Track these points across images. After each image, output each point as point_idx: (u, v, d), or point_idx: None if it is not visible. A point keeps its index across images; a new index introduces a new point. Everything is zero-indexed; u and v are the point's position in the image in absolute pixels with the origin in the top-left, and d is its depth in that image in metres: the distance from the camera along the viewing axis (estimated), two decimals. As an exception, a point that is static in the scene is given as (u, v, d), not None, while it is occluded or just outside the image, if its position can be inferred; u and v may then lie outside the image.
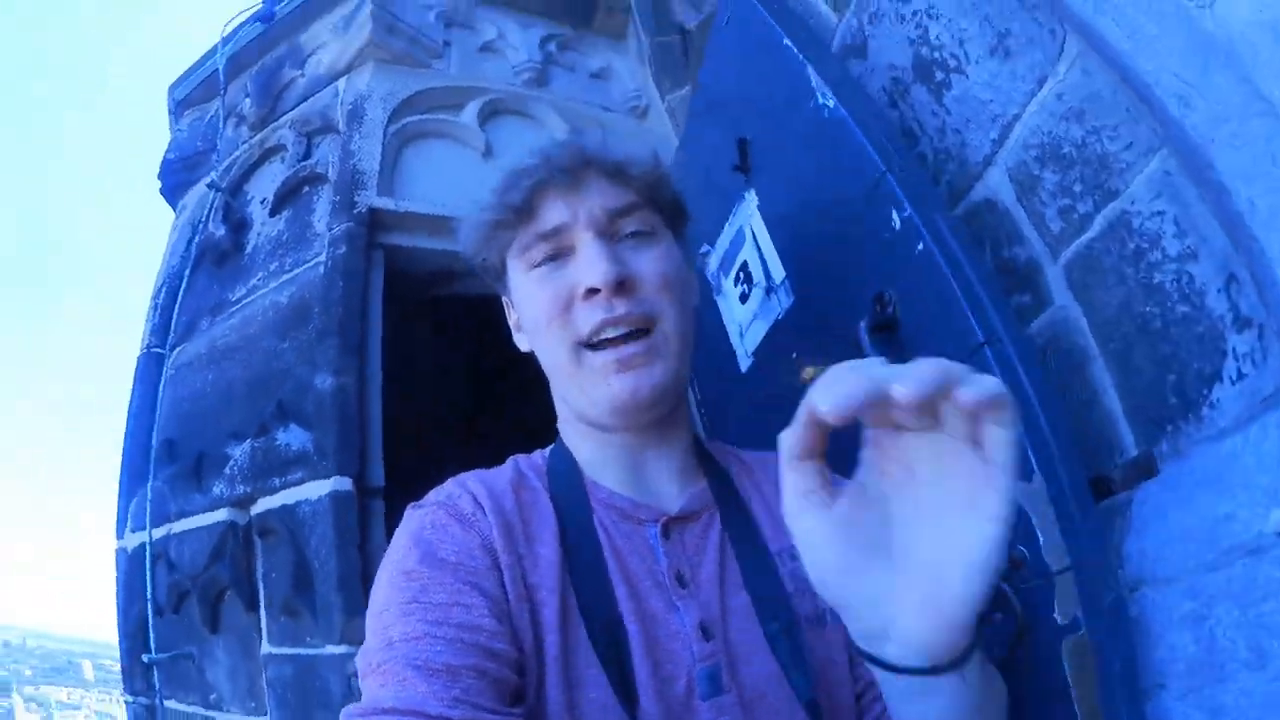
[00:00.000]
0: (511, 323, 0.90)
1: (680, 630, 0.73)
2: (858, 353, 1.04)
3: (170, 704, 2.08)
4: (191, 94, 3.03)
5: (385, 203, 1.93)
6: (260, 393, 1.93)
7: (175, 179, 2.90)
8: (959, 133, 1.12)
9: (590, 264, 0.76)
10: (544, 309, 0.78)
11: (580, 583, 0.74)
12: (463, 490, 0.79)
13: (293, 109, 2.43)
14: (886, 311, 1.04)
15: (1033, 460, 0.84)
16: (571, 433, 0.86)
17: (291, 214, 2.17)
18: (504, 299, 0.90)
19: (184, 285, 2.41)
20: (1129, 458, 0.93)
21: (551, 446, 0.88)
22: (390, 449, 1.80)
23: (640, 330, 0.76)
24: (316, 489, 1.70)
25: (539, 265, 0.80)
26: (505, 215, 0.80)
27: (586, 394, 0.78)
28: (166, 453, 2.20)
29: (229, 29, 2.86)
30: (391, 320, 1.90)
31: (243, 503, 1.89)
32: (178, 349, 2.36)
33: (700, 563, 0.78)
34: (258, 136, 2.48)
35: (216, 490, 1.96)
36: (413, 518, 0.79)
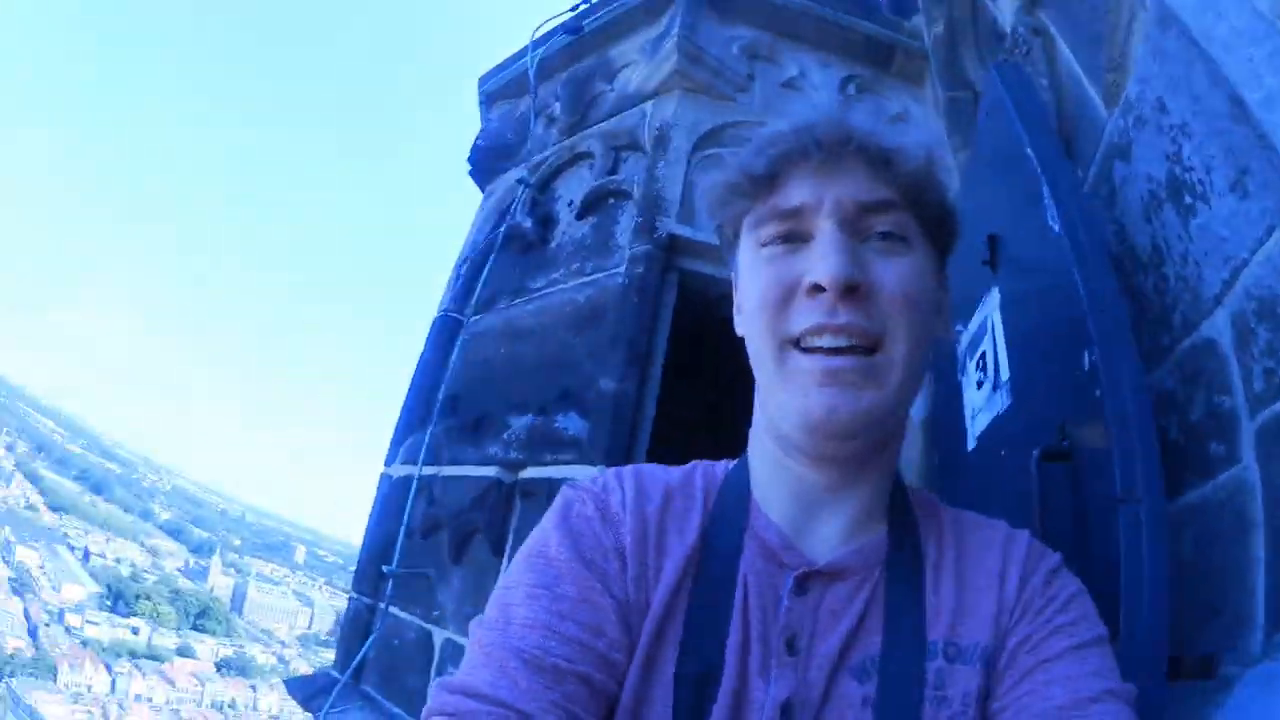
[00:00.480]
0: (735, 302, 0.80)
1: (761, 702, 0.65)
2: (1026, 478, 1.08)
3: (393, 609, 2.44)
4: (502, 89, 3.41)
5: (684, 230, 2.11)
6: (547, 376, 2.20)
7: (485, 165, 3.30)
8: (1198, 264, 1.06)
9: (823, 257, 0.66)
10: (762, 293, 0.70)
11: (694, 616, 0.69)
12: (617, 485, 0.76)
13: (602, 120, 2.69)
14: (1062, 444, 1.07)
15: (1120, 626, 0.84)
16: (757, 445, 0.77)
17: (596, 221, 2.42)
18: (731, 275, 0.80)
19: (488, 263, 2.76)
20: (1250, 638, 0.90)
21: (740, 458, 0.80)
22: (661, 452, 2.00)
23: (861, 348, 0.65)
24: (582, 472, 1.93)
25: (769, 245, 0.71)
26: (743, 182, 0.72)
27: (781, 401, 0.69)
28: (450, 407, 2.57)
29: (538, 34, 3.16)
30: (684, 336, 2.08)
31: (513, 466, 2.17)
32: (475, 318, 2.72)
33: (827, 632, 0.68)
34: (568, 141, 2.77)
35: (491, 450, 2.27)
36: (566, 497, 0.76)
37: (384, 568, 2.46)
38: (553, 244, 2.57)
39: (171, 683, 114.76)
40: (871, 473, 0.73)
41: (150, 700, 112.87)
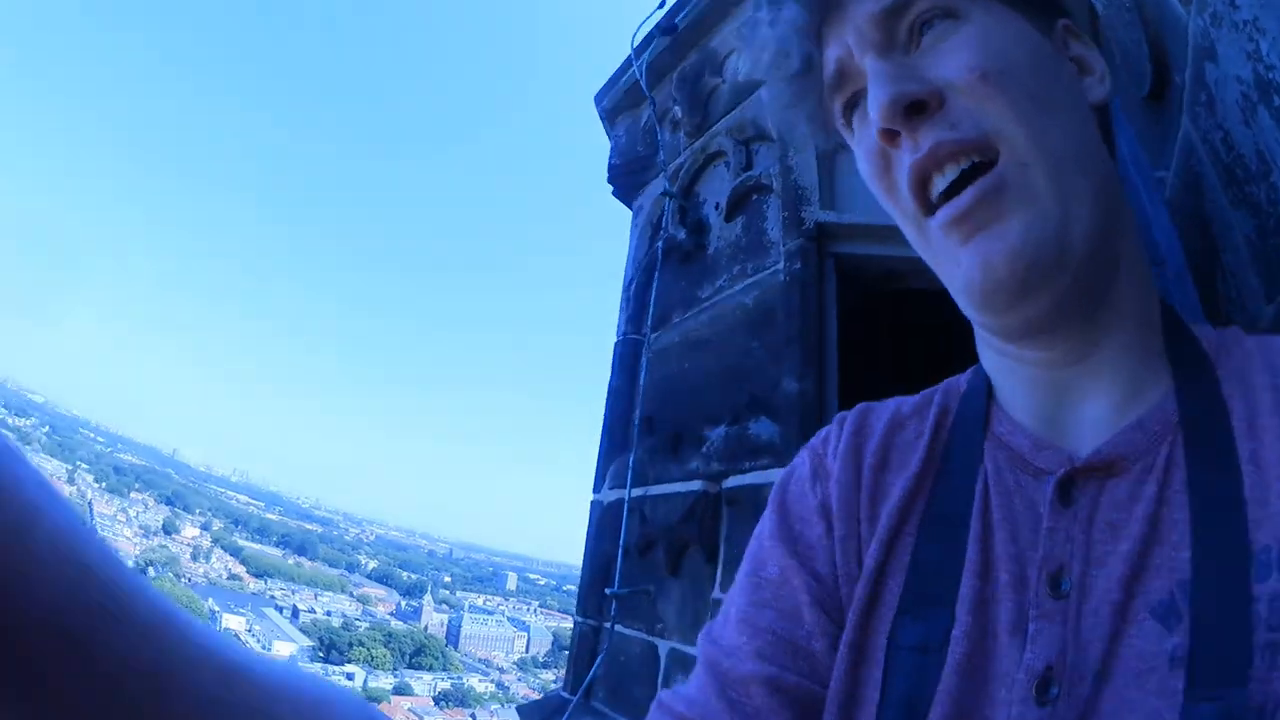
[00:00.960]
0: None
1: (1009, 673, 0.47)
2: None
3: (619, 628, 2.56)
4: (618, 102, 3.49)
5: (829, 216, 2.10)
6: (732, 384, 2.26)
7: (624, 181, 3.40)
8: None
9: (870, 99, 0.53)
10: (870, 182, 0.60)
11: (917, 569, 0.55)
12: (836, 429, 0.67)
13: (724, 116, 2.70)
14: None
15: None
16: (979, 345, 0.63)
17: (745, 220, 2.45)
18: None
19: (654, 280, 2.85)
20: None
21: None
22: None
23: (980, 165, 0.50)
24: (778, 474, 1.97)
25: (847, 125, 0.61)
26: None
27: (951, 285, 0.56)
28: (647, 428, 2.69)
29: (637, 39, 3.19)
30: (847, 321, 2.09)
31: (715, 477, 2.25)
32: (654, 336, 2.82)
33: (1106, 555, 0.48)
34: (698, 143, 2.81)
35: (692, 464, 2.36)
36: (792, 462, 0.71)
37: (606, 590, 2.60)
38: (710, 250, 2.62)
39: None
40: (1110, 318, 0.53)
41: None
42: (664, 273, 2.83)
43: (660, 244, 2.86)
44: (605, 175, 3.50)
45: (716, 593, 2.14)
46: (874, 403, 0.68)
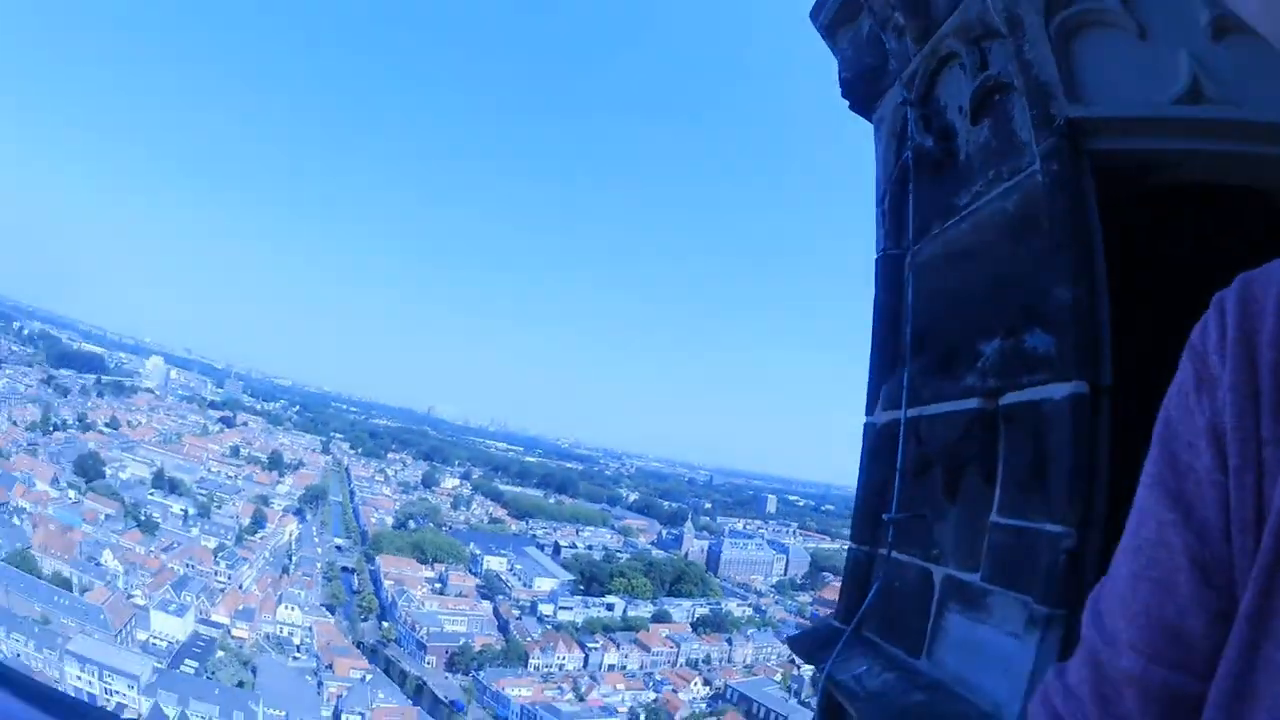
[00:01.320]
0: None
1: None
2: None
3: (894, 554, 2.56)
4: (835, 15, 3.36)
5: (1076, 110, 1.95)
6: (1002, 295, 2.22)
7: (859, 94, 3.33)
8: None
9: None
10: None
11: None
12: (1217, 313, 0.51)
13: (949, 16, 2.55)
14: None
15: None
16: None
17: (992, 123, 2.35)
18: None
19: (908, 192, 2.81)
20: None
21: None
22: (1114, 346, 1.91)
23: None
24: (1057, 390, 1.94)
25: None
26: None
27: None
28: (917, 345, 2.70)
29: None
30: (1108, 220, 1.97)
31: (991, 394, 2.22)
32: (915, 250, 2.79)
33: None
34: (926, 47, 2.69)
35: (967, 381, 2.35)
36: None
37: (883, 515, 2.61)
38: (960, 156, 2.54)
39: (646, 648, 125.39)
40: None
41: (624, 668, 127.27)
42: (917, 183, 2.78)
43: (908, 154, 2.80)
44: (838, 91, 3.45)
45: (995, 515, 2.13)
46: (1254, 271, 0.51)
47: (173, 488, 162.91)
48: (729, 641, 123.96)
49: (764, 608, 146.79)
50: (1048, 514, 1.92)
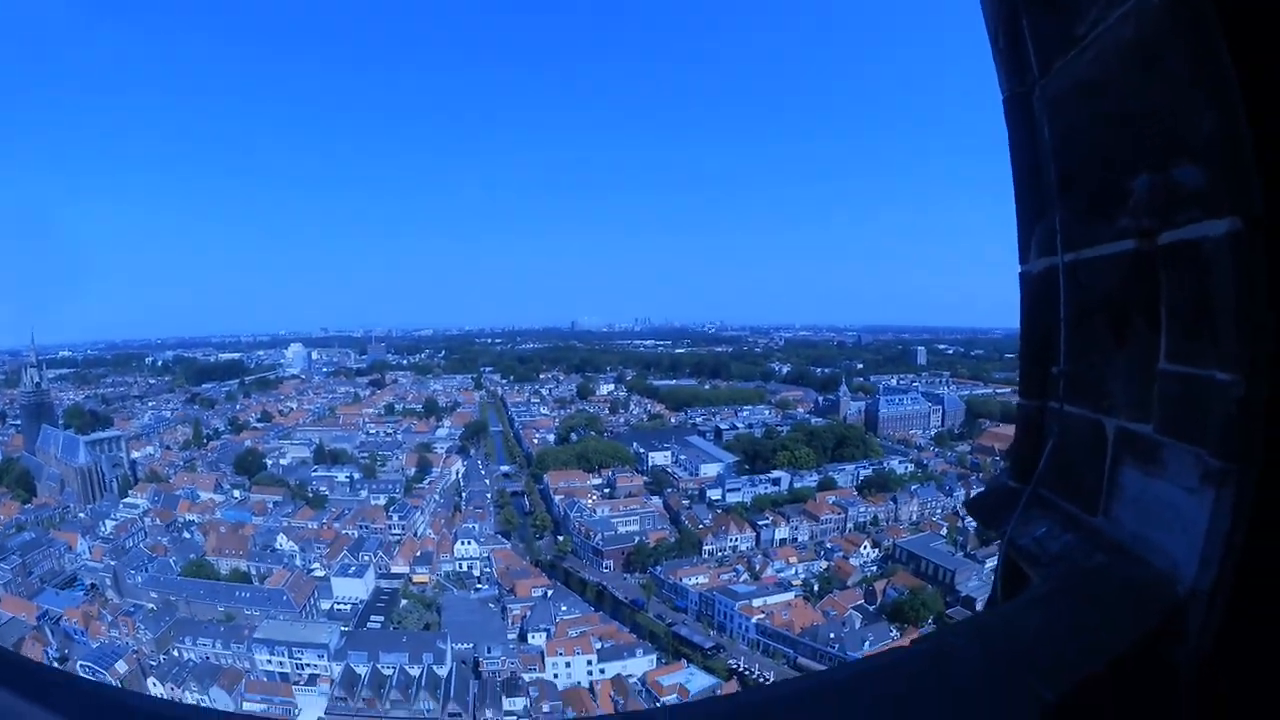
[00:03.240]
0: None
1: None
2: None
3: (1066, 408, 2.52)
4: None
5: None
6: (1140, 128, 2.08)
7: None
8: None
9: None
10: None
11: None
12: None
13: None
14: None
15: None
16: None
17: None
18: None
19: (1021, 22, 2.61)
20: None
21: None
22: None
23: None
24: (1214, 226, 1.84)
25: None
26: None
27: None
28: (1063, 186, 2.57)
29: None
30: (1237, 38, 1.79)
31: (1146, 234, 2.12)
32: (1040, 85, 2.61)
33: None
34: None
35: (1121, 222, 2.24)
36: None
37: (1052, 369, 2.56)
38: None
39: (815, 518, 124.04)
40: None
41: (794, 540, 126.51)
42: (1030, 16, 2.58)
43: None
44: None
45: (1162, 363, 2.09)
46: None
47: (335, 459, 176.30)
48: (894, 500, 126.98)
49: (925, 461, 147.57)
50: (1216, 360, 1.86)
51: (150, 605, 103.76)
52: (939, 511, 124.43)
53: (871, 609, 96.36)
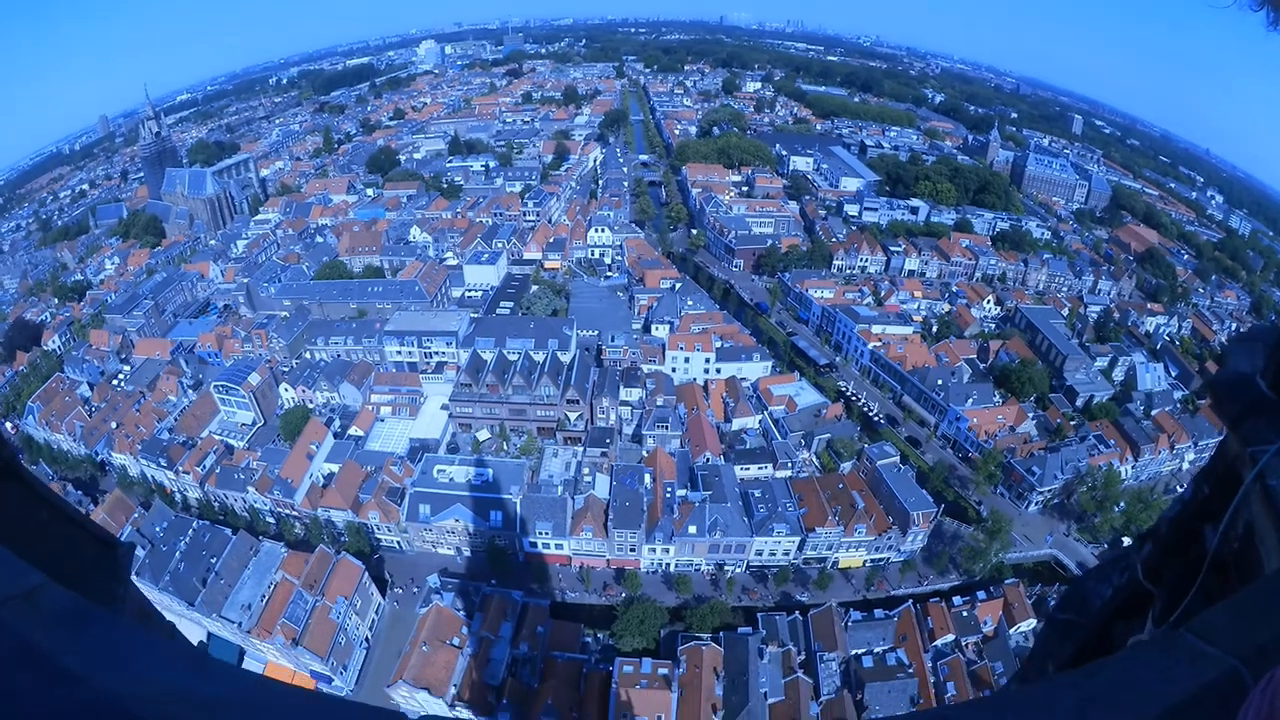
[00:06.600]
0: None
1: None
2: None
3: None
4: None
5: None
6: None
7: None
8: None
9: None
10: None
11: None
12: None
13: None
14: None
15: None
16: None
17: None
18: None
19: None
20: None
21: None
22: None
23: None
24: None
25: None
26: None
27: None
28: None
29: None
30: None
31: None
32: None
33: None
34: None
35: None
36: None
37: None
38: None
39: (946, 256, 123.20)
40: None
41: (923, 274, 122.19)
42: None
43: None
44: None
45: None
46: None
47: (470, 149, 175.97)
48: (1025, 263, 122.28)
49: (1062, 234, 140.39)
50: None
51: (283, 314, 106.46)
52: (1065, 290, 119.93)
53: (982, 367, 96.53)
